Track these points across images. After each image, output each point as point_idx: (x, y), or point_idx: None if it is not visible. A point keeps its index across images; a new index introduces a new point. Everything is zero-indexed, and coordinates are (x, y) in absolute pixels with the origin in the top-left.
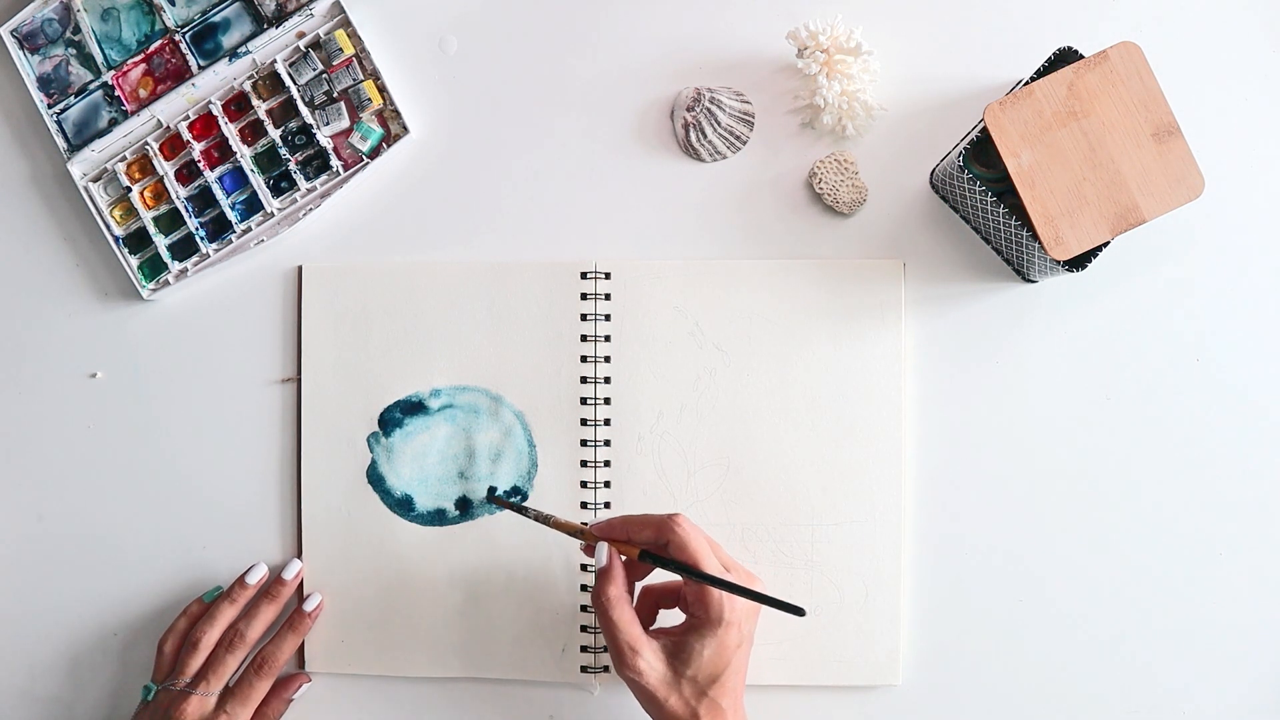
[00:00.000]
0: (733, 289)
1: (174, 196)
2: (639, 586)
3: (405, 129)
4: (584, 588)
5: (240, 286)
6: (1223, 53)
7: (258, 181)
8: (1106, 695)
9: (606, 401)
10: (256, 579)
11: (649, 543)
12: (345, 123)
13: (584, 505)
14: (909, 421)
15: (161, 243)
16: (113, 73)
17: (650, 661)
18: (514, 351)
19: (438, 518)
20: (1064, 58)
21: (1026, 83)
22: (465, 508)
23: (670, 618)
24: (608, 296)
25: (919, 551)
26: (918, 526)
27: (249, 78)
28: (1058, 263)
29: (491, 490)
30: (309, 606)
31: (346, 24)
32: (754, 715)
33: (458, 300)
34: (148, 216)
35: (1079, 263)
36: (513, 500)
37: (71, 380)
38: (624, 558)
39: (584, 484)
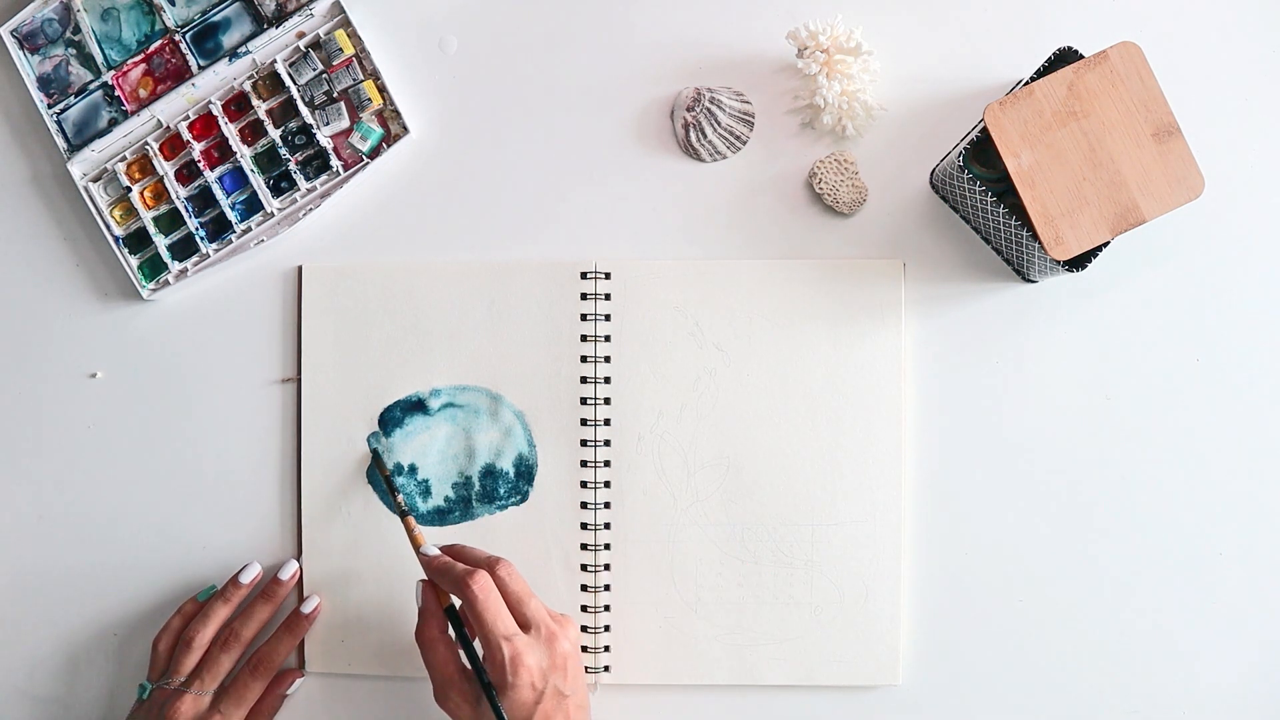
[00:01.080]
0: (733, 289)
1: (174, 196)
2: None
3: (405, 129)
4: (584, 588)
5: (240, 286)
6: (1223, 53)
7: (258, 181)
8: (1106, 695)
9: (606, 401)
10: (250, 578)
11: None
12: (345, 123)
13: (584, 505)
14: (909, 421)
15: (161, 243)
16: (113, 73)
17: (458, 703)
18: (514, 351)
19: (438, 518)
20: (1064, 58)
21: (1026, 83)
22: (465, 508)
23: None
24: (608, 296)
25: (919, 551)
26: (918, 526)
27: (249, 78)
28: (1058, 263)
29: (375, 452)
30: (307, 608)
31: (346, 24)
32: (754, 715)
33: (458, 300)
34: (148, 216)
35: (1079, 263)
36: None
37: (71, 380)
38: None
39: (584, 484)
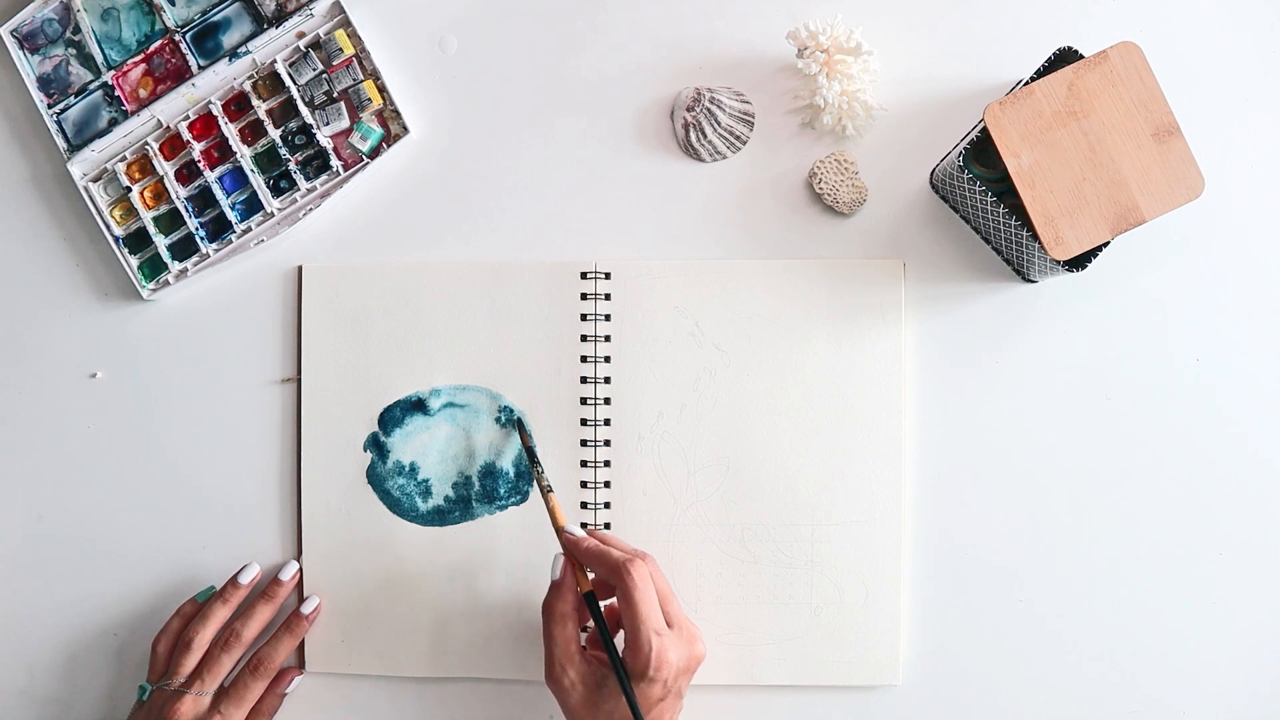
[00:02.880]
0: (733, 289)
1: (174, 196)
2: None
3: (405, 129)
4: None
5: (240, 286)
6: (1223, 53)
7: (258, 181)
8: (1106, 695)
9: (606, 401)
10: (249, 578)
11: (599, 580)
12: (345, 123)
13: (584, 505)
14: (909, 421)
15: (161, 243)
16: (113, 73)
17: (574, 681)
18: (514, 351)
19: (438, 517)
20: (1064, 58)
21: (1026, 83)
22: (465, 507)
23: None
24: (608, 296)
25: (919, 551)
26: (918, 526)
27: (249, 78)
28: (1058, 263)
29: (520, 422)
30: (307, 609)
31: (346, 24)
32: (754, 715)
33: (458, 300)
34: (148, 216)
35: (1079, 263)
36: (532, 468)
37: (71, 380)
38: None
39: (584, 484)
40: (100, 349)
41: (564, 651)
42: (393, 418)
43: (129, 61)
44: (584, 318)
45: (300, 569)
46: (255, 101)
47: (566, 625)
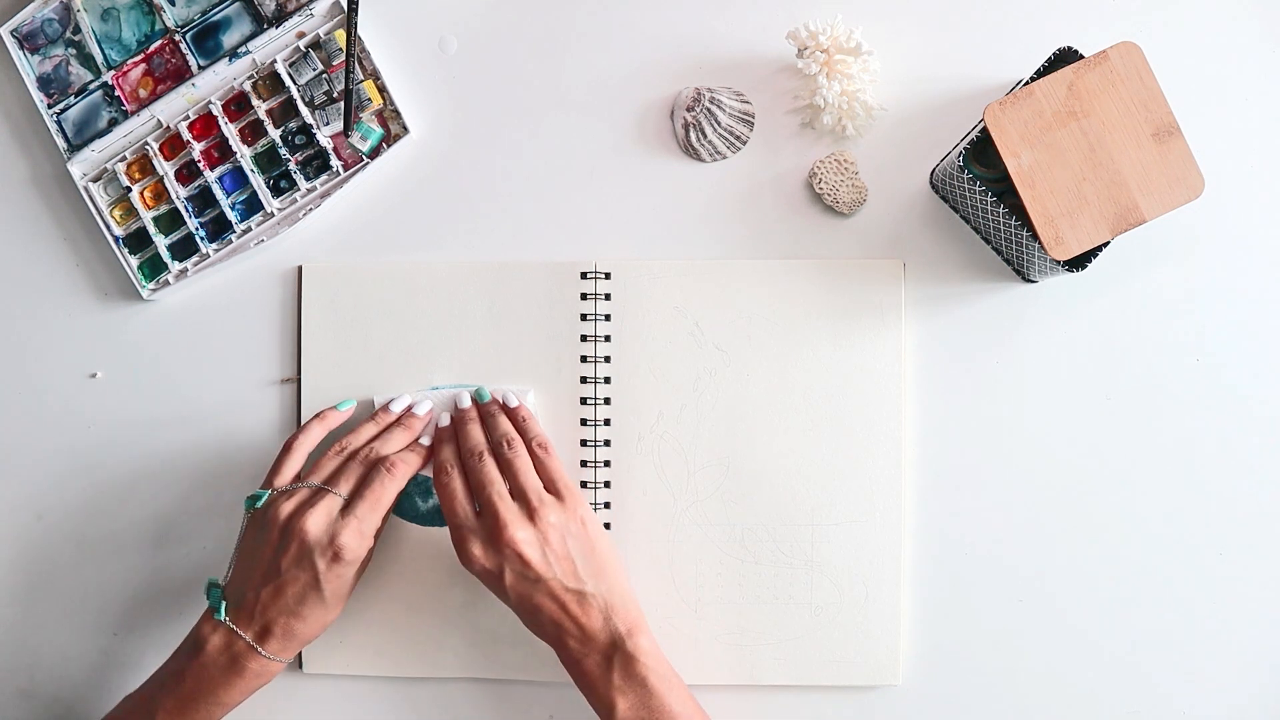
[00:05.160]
0: (733, 289)
1: (174, 196)
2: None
3: (405, 129)
4: None
5: (240, 286)
6: (1223, 53)
7: (258, 181)
8: (1106, 695)
9: (606, 401)
10: (401, 407)
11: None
12: None
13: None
14: (909, 421)
15: (161, 243)
16: (113, 73)
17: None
18: (514, 351)
19: (438, 517)
20: (1064, 58)
21: (1026, 83)
22: None
23: None
24: (608, 296)
25: (919, 551)
26: (918, 526)
27: (249, 78)
28: (1058, 263)
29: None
30: (425, 441)
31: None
32: (754, 715)
33: (458, 300)
34: (148, 216)
35: (1079, 263)
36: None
37: (71, 380)
38: None
39: (584, 484)
40: (100, 349)
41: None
42: None
43: (129, 61)
44: (584, 318)
45: (432, 408)
46: (255, 101)
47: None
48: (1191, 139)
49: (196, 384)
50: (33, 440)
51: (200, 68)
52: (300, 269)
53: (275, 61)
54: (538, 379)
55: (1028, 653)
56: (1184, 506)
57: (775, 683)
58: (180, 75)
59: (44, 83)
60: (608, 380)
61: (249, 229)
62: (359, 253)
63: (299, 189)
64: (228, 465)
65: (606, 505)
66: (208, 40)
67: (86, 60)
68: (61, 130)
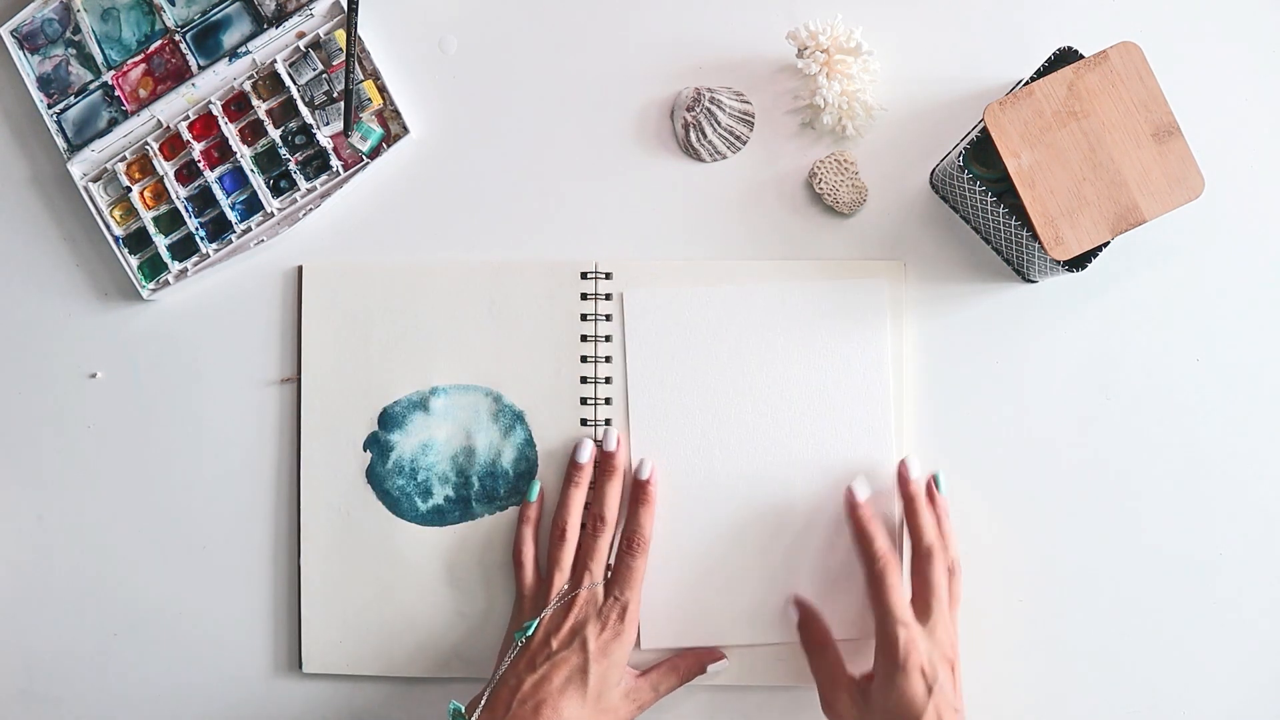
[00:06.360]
0: (733, 289)
1: (174, 196)
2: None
3: (405, 129)
4: None
5: (240, 286)
6: (1223, 53)
7: (258, 181)
8: (1106, 695)
9: (607, 401)
10: (587, 456)
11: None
12: None
13: (585, 505)
14: (908, 422)
15: (161, 243)
16: (113, 73)
17: (848, 705)
18: (514, 351)
19: (437, 517)
20: (1064, 58)
21: (1026, 83)
22: (465, 507)
23: None
24: (608, 296)
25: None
26: None
27: (249, 78)
28: (1058, 263)
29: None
30: (644, 475)
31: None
32: (754, 715)
33: (458, 300)
34: (148, 216)
35: (1079, 263)
36: None
37: (71, 380)
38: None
39: None
40: (100, 349)
41: (829, 679)
42: (393, 417)
43: (129, 61)
44: (584, 318)
45: (620, 434)
46: (255, 101)
47: (827, 652)
48: (1191, 139)
49: (196, 384)
50: (33, 440)
51: (200, 68)
52: (300, 269)
53: (275, 61)
54: (538, 378)
55: (1028, 653)
56: (1184, 506)
57: (775, 683)
58: (180, 75)
59: (44, 83)
60: (608, 380)
61: (249, 229)
62: (359, 253)
63: (299, 189)
64: (228, 465)
65: None
66: (208, 40)
67: (86, 60)
68: (61, 130)
